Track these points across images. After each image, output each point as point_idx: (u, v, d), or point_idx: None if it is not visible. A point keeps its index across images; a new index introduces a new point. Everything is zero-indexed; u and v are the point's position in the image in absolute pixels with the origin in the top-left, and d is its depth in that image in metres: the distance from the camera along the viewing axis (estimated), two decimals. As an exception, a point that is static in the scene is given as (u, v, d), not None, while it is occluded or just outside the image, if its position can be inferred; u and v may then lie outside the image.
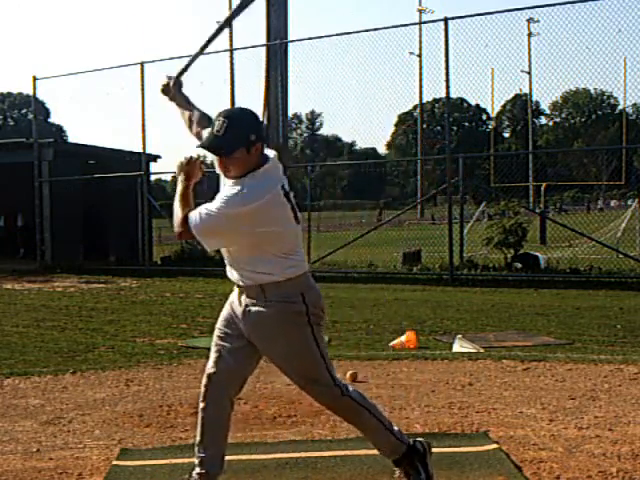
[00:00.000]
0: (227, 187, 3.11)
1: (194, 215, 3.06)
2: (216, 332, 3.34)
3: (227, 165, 3.09)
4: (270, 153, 3.18)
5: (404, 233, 20.40)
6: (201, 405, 3.28)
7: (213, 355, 3.32)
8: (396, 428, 3.35)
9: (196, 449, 3.30)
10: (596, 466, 3.67)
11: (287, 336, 3.13)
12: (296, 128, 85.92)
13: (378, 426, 3.28)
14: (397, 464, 3.33)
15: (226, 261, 3.26)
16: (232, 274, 3.25)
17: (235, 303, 3.27)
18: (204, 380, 3.28)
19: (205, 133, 3.22)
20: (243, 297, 3.21)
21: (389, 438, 3.30)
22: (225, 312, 3.33)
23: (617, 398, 5.04)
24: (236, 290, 3.28)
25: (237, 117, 3.10)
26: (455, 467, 3.66)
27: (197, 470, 3.28)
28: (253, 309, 3.16)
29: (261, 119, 16.42)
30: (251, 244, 3.09)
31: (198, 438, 3.30)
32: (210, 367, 3.29)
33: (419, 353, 6.83)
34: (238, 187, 3.03)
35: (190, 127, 3.51)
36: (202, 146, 3.11)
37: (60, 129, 58.98)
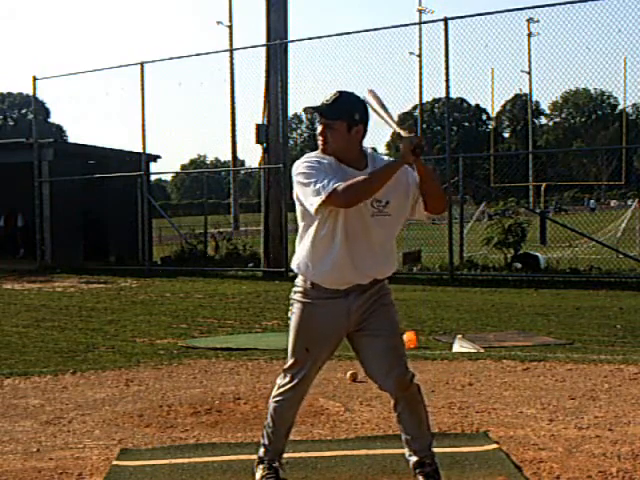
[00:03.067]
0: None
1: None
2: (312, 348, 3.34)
3: (327, 134, 3.19)
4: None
5: (404, 233, 20.35)
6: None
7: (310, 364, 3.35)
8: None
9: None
10: (596, 466, 3.67)
11: None
12: (296, 128, 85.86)
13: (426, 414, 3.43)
14: (420, 466, 3.36)
15: (359, 254, 3.23)
16: (371, 268, 3.28)
17: (334, 312, 3.27)
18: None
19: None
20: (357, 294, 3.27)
21: (429, 424, 3.45)
22: (321, 328, 3.30)
23: (617, 398, 5.04)
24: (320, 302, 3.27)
25: (347, 95, 3.25)
26: (455, 467, 3.66)
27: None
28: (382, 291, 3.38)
29: (261, 120, 16.44)
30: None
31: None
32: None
33: (419, 353, 6.82)
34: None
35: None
36: (311, 107, 3.26)
37: (60, 129, 59.01)
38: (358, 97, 3.26)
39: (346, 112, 3.18)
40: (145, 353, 7.24)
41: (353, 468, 3.71)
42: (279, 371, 3.47)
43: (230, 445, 4.14)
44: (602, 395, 5.13)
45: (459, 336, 7.34)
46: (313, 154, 3.24)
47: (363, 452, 3.91)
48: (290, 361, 3.33)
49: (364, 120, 3.22)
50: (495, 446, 3.99)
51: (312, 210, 3.09)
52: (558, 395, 5.14)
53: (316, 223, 3.17)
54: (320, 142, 3.23)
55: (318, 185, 3.06)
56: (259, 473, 3.43)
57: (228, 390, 5.42)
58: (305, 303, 3.27)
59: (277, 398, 3.37)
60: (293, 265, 3.33)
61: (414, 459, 3.35)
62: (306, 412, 4.75)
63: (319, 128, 3.23)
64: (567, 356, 6.53)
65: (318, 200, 3.05)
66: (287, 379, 3.34)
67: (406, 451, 3.39)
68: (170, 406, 5.06)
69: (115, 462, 3.89)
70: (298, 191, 3.18)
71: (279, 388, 3.37)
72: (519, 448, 3.97)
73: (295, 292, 3.33)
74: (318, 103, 3.26)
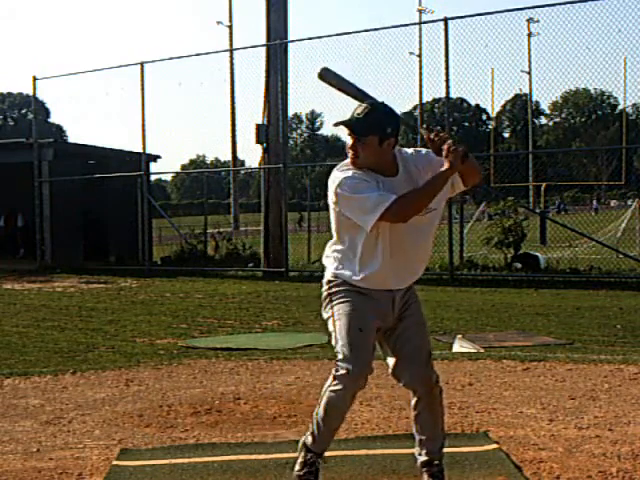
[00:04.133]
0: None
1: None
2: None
3: (358, 149, 3.15)
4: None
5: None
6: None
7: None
8: None
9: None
10: (596, 466, 3.67)
11: None
12: (296, 128, 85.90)
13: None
14: (427, 465, 3.37)
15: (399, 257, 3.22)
16: (412, 276, 3.33)
17: (382, 298, 3.27)
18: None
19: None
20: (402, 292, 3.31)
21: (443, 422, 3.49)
22: (371, 310, 3.27)
23: (617, 398, 5.04)
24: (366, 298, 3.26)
25: (379, 107, 3.20)
26: (455, 467, 3.66)
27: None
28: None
29: (261, 120, 16.44)
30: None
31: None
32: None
33: (419, 353, 6.81)
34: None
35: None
36: (341, 123, 3.19)
37: (60, 129, 59.05)
38: (390, 109, 3.22)
39: (378, 126, 3.13)
40: (145, 353, 7.24)
41: (353, 468, 3.71)
42: (328, 365, 3.34)
43: (230, 445, 4.14)
44: (602, 395, 5.13)
45: (459, 336, 7.34)
46: (346, 165, 3.20)
47: (363, 452, 3.91)
48: (344, 350, 3.18)
49: (396, 131, 3.19)
50: (495, 446, 3.99)
51: (367, 228, 3.10)
52: (558, 395, 5.14)
53: (364, 236, 3.17)
54: (350, 156, 3.19)
55: (370, 202, 3.06)
56: (300, 464, 3.34)
57: (228, 390, 5.42)
58: (352, 291, 3.26)
59: (335, 387, 3.21)
60: (330, 271, 3.31)
61: (423, 458, 3.36)
62: (306, 412, 4.74)
63: (349, 141, 3.19)
64: (567, 356, 6.53)
65: (373, 218, 3.06)
66: (343, 370, 3.17)
67: (416, 450, 3.40)
68: (170, 406, 5.06)
69: (115, 462, 3.89)
70: (345, 206, 3.15)
71: (336, 380, 3.21)
72: (519, 448, 3.97)
73: (335, 286, 3.28)
74: (347, 116, 3.19)
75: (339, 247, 3.29)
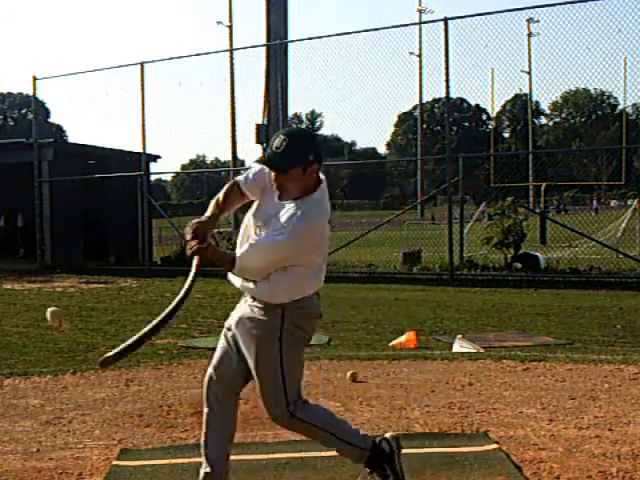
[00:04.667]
0: (281, 215, 3.06)
1: (245, 257, 3.08)
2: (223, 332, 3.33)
3: (283, 182, 3.05)
4: (321, 175, 3.19)
5: (404, 233, 20.38)
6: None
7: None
8: (359, 435, 3.31)
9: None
10: (596, 466, 3.67)
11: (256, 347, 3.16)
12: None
13: (334, 440, 3.27)
14: (367, 466, 3.32)
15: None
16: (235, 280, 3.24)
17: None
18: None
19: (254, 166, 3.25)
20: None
21: (350, 449, 3.28)
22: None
23: (617, 398, 5.04)
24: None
25: (296, 136, 3.11)
26: (455, 467, 3.66)
27: (203, 468, 3.28)
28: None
29: (261, 120, 16.46)
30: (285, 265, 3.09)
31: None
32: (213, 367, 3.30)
33: (419, 353, 6.83)
34: (291, 214, 3.02)
35: (227, 204, 3.36)
36: (261, 161, 3.13)
37: (60, 129, 59.01)
38: (309, 134, 3.19)
39: (300, 157, 3.01)
40: (145, 353, 7.22)
41: (353, 468, 3.71)
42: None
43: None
44: (602, 395, 5.13)
45: (459, 336, 7.34)
46: None
47: (363, 452, 3.90)
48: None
49: (318, 155, 3.08)
50: (495, 446, 3.99)
51: None
52: (558, 395, 5.14)
53: None
54: (275, 189, 3.09)
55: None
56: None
57: (228, 390, 5.41)
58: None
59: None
60: None
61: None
62: (306, 412, 4.74)
63: (272, 175, 3.07)
64: (567, 356, 6.53)
65: None
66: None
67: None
68: (170, 406, 5.06)
69: (115, 462, 3.89)
70: None
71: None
72: (519, 448, 3.97)
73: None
74: (270, 148, 3.03)
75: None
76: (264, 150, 16.17)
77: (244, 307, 3.22)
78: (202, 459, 3.27)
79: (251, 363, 3.17)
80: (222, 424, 3.27)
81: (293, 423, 3.21)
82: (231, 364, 3.25)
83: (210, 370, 3.29)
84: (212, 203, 3.32)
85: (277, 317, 3.10)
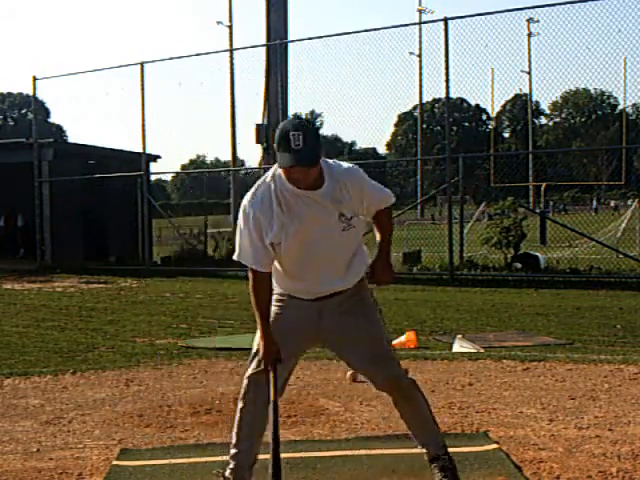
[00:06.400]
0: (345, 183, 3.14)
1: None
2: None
3: (313, 173, 3.00)
4: None
5: (404, 233, 20.36)
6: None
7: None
8: None
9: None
10: (596, 466, 3.67)
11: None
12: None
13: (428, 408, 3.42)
14: (435, 460, 3.35)
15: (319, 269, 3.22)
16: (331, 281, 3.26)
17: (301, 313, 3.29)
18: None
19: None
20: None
21: (434, 421, 3.42)
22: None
23: (617, 398, 5.04)
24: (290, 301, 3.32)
25: (301, 125, 3.01)
26: (455, 467, 3.66)
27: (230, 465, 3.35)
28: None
29: (261, 120, 16.44)
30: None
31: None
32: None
33: (419, 353, 6.82)
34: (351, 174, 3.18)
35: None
36: (294, 164, 2.92)
37: (60, 129, 58.98)
38: (300, 117, 3.21)
39: (318, 140, 3.00)
40: (145, 353, 7.23)
41: (353, 468, 3.71)
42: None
43: (230, 445, 4.13)
44: (602, 395, 5.13)
45: (459, 336, 7.34)
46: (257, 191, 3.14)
47: (363, 452, 3.91)
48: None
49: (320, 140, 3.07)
50: (495, 446, 3.99)
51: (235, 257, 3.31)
52: (558, 395, 5.14)
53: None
54: (299, 183, 3.02)
55: (244, 246, 3.20)
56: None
57: (228, 390, 5.41)
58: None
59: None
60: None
61: (429, 454, 3.38)
62: (306, 412, 4.75)
63: (296, 173, 2.97)
64: (567, 356, 6.53)
65: (240, 258, 3.26)
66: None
67: (419, 448, 3.42)
68: (170, 406, 5.06)
69: (115, 462, 3.89)
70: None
71: None
72: (519, 448, 3.97)
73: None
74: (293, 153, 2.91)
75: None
76: (264, 150, 16.19)
77: (344, 287, 3.29)
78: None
79: (376, 331, 3.37)
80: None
81: (405, 383, 3.38)
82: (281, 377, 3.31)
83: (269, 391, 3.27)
84: (257, 316, 3.26)
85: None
